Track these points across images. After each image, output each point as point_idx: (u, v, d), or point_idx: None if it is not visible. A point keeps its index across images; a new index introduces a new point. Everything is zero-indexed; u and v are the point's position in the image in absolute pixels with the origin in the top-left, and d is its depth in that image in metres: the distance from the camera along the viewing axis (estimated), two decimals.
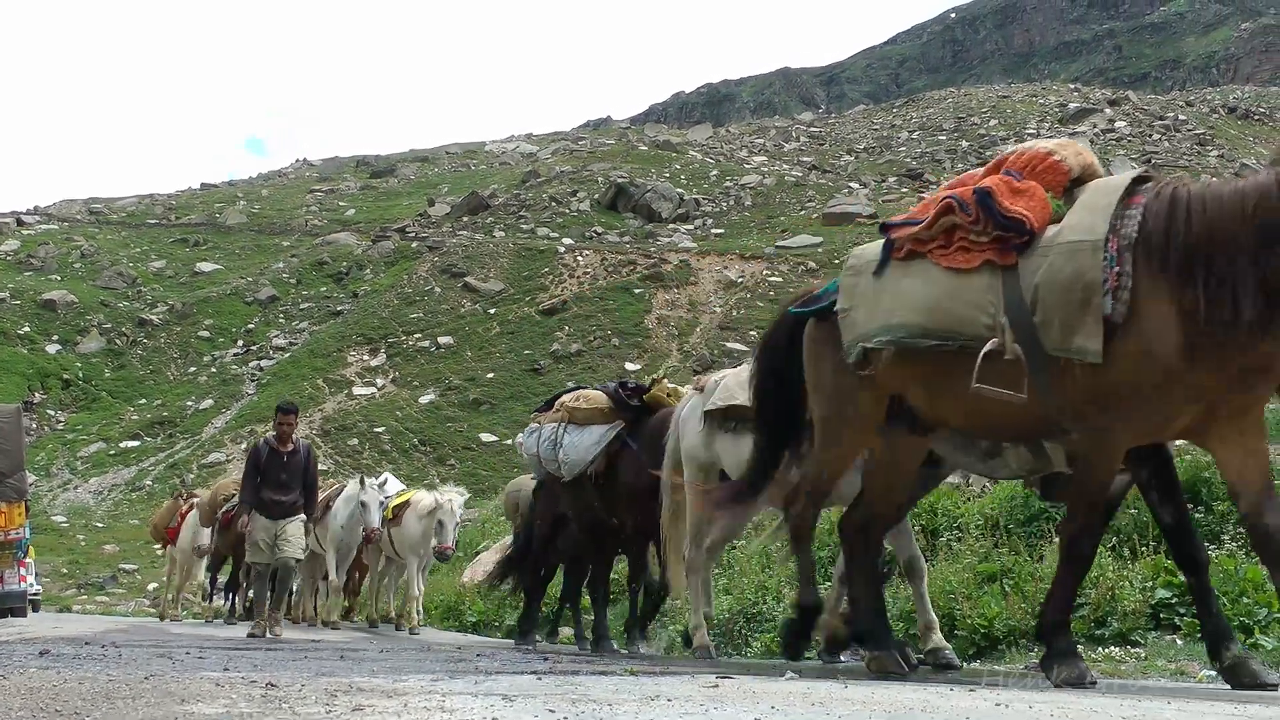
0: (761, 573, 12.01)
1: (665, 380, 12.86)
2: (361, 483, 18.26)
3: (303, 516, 15.29)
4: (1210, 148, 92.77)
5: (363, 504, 17.65)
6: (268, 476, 15.06)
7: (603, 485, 12.39)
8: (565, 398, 13.30)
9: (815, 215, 79.01)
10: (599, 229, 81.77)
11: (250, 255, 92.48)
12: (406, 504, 18.57)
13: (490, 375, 63.84)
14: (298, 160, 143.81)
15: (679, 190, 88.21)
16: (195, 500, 23.46)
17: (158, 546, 32.87)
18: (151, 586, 43.63)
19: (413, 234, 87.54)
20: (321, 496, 18.12)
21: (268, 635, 14.64)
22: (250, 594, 19.36)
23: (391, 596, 21.07)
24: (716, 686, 3.36)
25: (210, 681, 3.13)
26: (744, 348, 60.81)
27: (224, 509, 20.62)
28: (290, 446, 15.29)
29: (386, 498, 18.40)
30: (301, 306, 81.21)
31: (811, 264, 68.27)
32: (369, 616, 20.94)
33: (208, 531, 22.00)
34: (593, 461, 12.29)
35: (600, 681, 3.64)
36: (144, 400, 71.61)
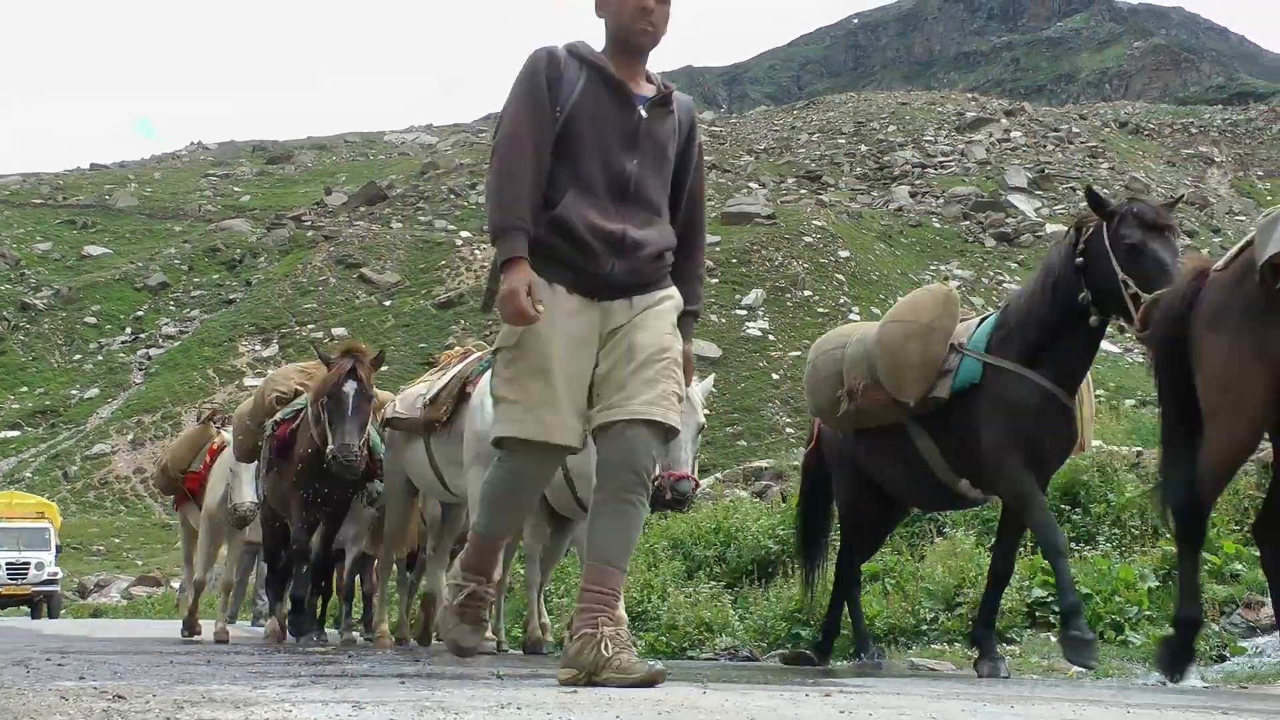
0: (647, 571, 12.03)
1: None
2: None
3: (675, 305, 4.90)
4: (1101, 160, 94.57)
5: None
6: (589, 141, 4.75)
7: None
8: None
9: (714, 214, 79.28)
10: None
11: (141, 239, 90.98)
12: None
13: (384, 368, 63.24)
14: (192, 143, 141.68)
15: None
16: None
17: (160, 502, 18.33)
18: None
19: (309, 223, 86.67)
20: (410, 392, 10.19)
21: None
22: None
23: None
24: (575, 693, 3.39)
25: (57, 694, 3.06)
26: None
27: (279, 416, 10.59)
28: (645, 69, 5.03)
29: None
30: (193, 294, 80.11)
31: (709, 263, 68.59)
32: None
33: (250, 473, 11.14)
34: None
35: (461, 687, 3.65)
36: (25, 388, 70.13)
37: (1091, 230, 6.42)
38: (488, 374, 8.32)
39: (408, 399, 9.90)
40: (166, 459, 13.77)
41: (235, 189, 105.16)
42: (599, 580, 4.49)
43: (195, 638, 11.70)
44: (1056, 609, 8.84)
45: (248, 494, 11.13)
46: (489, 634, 9.25)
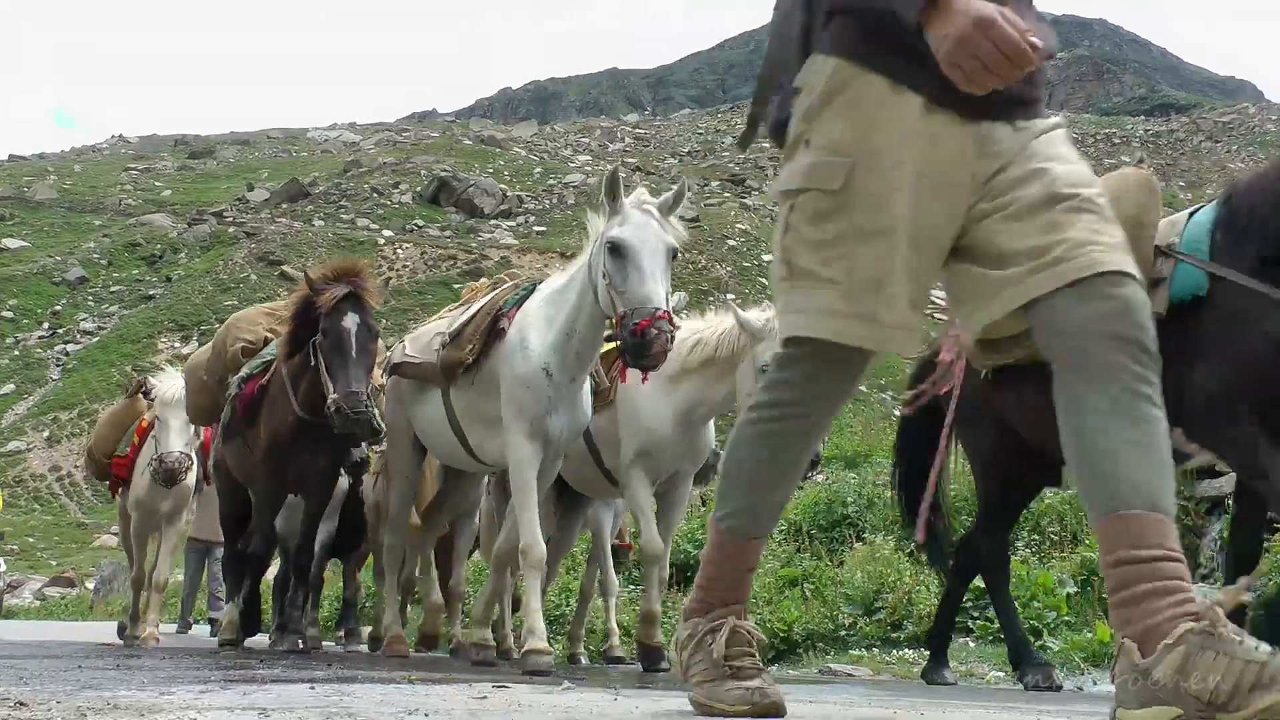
0: (566, 574, 12.02)
1: None
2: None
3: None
4: None
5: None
6: None
7: None
8: None
9: None
10: (420, 222, 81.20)
11: (59, 233, 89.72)
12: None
13: None
14: (113, 136, 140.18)
15: (502, 186, 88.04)
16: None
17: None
18: None
19: (230, 219, 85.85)
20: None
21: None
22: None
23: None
24: (485, 698, 3.37)
25: None
26: None
27: (246, 372, 8.77)
28: None
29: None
30: (112, 289, 79.07)
31: None
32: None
33: (181, 419, 9.74)
34: None
35: (371, 691, 3.62)
36: None
37: None
38: (527, 304, 6.91)
39: (420, 339, 7.81)
40: (97, 439, 11.75)
41: (156, 183, 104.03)
42: (1142, 537, 2.59)
43: (135, 640, 10.16)
44: (975, 614, 8.95)
45: (175, 443, 9.58)
46: (491, 637, 7.52)
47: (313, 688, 3.80)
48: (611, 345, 6.90)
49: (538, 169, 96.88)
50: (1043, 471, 6.46)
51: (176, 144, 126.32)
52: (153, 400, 10.60)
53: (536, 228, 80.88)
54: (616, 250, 5.91)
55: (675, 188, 6.27)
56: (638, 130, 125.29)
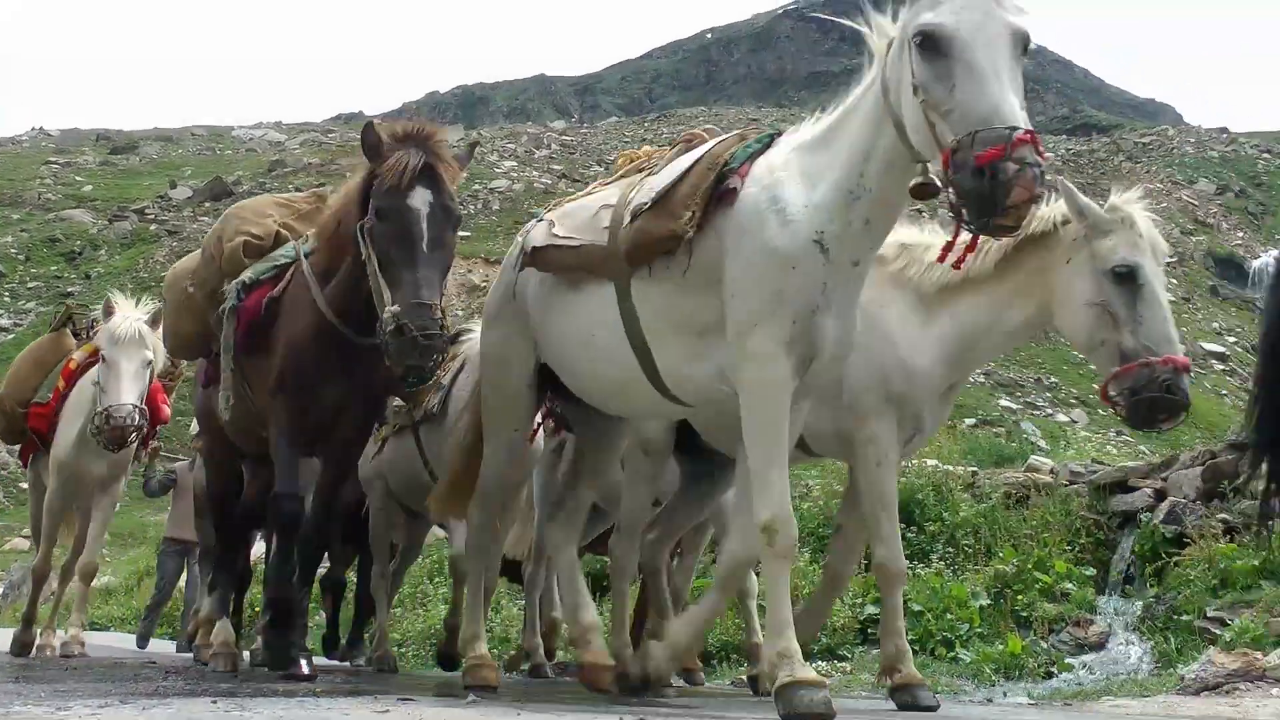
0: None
1: None
2: None
3: None
4: None
5: None
6: None
7: None
8: None
9: None
10: None
11: None
12: None
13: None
14: (33, 128, 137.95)
15: None
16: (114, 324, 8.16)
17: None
18: None
19: (152, 216, 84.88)
20: None
21: None
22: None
23: None
24: (387, 712, 3.36)
25: None
26: None
27: (250, 276, 6.63)
28: None
29: None
30: (29, 285, 77.84)
31: None
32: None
33: (136, 365, 7.99)
34: None
35: (272, 706, 3.59)
36: None
37: None
38: (768, 156, 4.64)
39: (575, 215, 5.35)
40: (3, 389, 9.46)
41: (77, 178, 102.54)
42: None
43: (36, 651, 8.78)
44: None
45: (128, 394, 7.50)
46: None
47: (214, 702, 3.76)
48: None
49: (463, 174, 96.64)
50: None
51: (99, 138, 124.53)
52: (87, 336, 8.91)
53: (461, 233, 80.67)
54: (933, 45, 3.88)
55: None
56: (564, 137, 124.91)
